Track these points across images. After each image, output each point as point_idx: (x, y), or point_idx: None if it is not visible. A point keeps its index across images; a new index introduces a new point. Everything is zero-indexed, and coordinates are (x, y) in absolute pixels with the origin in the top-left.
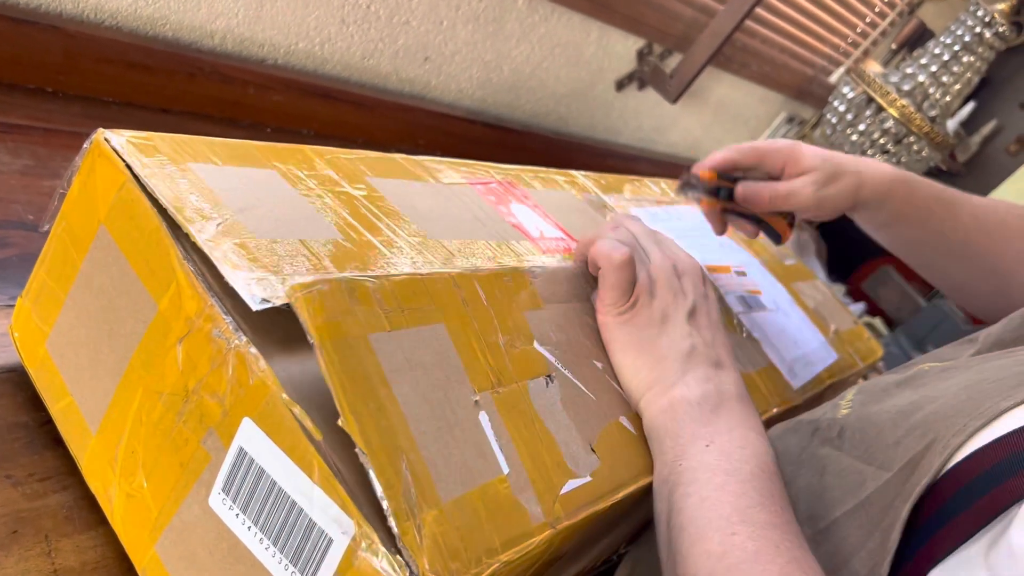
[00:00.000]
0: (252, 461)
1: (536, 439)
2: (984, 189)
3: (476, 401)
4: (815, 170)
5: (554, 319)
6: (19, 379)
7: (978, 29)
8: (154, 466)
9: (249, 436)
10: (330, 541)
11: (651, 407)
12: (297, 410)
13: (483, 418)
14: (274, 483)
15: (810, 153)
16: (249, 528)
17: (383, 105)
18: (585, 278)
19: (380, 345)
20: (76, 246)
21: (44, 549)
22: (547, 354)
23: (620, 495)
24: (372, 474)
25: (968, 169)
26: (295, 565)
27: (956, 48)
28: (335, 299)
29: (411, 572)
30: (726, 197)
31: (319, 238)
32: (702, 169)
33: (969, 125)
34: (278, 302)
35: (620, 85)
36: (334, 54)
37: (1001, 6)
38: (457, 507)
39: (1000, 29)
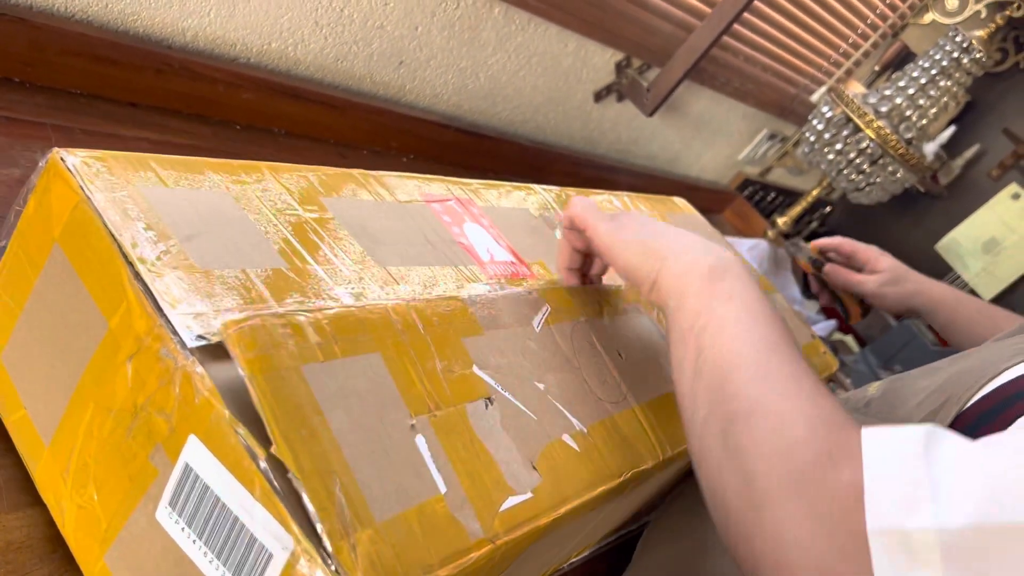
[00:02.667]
0: (197, 477)
1: (475, 459)
2: (964, 212)
3: (412, 425)
4: (886, 271)
5: (494, 344)
6: None
7: (956, 54)
8: (104, 479)
9: (195, 453)
10: (270, 556)
11: (667, 276)
12: (241, 429)
13: (419, 441)
14: (218, 499)
15: (888, 261)
16: (194, 542)
17: (356, 107)
18: (527, 304)
19: (313, 376)
20: (31, 263)
21: None
22: (486, 377)
23: (563, 509)
24: (305, 497)
25: (950, 192)
26: None
27: (934, 72)
28: (266, 334)
29: None
30: (817, 268)
31: (262, 267)
32: (813, 243)
33: (952, 148)
34: (213, 339)
35: (598, 96)
36: (307, 55)
37: (979, 33)
38: (392, 526)
39: (977, 55)
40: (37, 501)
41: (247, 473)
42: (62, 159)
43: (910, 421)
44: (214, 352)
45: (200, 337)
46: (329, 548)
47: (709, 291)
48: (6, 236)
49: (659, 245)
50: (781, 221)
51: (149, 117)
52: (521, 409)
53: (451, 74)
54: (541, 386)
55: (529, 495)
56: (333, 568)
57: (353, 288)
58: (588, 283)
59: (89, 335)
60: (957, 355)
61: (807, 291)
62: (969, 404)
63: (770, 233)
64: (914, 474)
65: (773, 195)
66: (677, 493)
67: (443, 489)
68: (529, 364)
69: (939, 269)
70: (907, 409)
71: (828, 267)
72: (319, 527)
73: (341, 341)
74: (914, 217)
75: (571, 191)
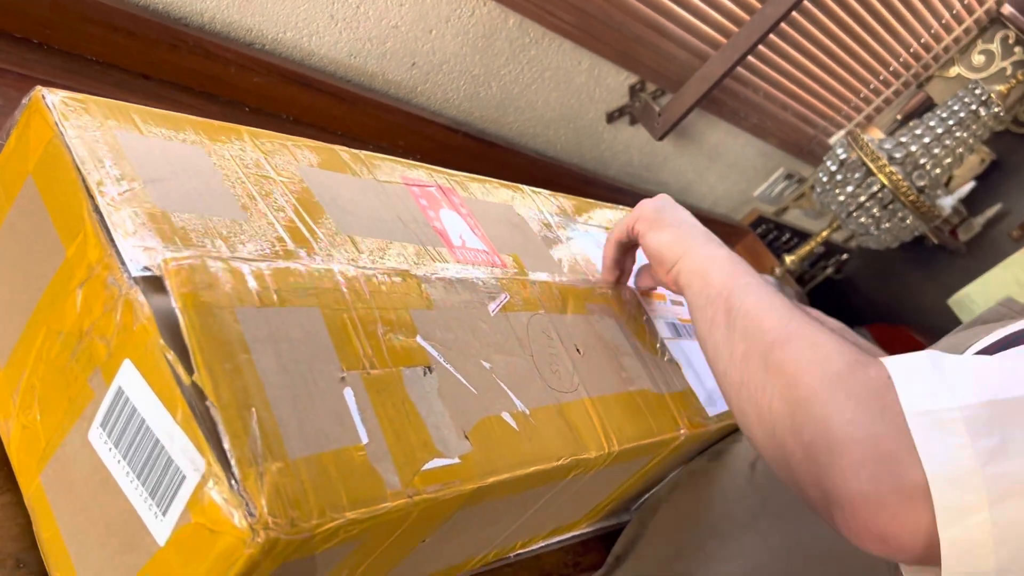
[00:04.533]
0: (128, 400)
1: (403, 419)
2: (981, 269)
3: (342, 378)
4: None
5: (443, 319)
6: None
7: (974, 106)
8: (47, 401)
9: (128, 377)
10: (184, 478)
11: (691, 259)
12: (170, 355)
13: (347, 393)
14: (143, 421)
15: None
16: (119, 462)
17: (366, 102)
18: (485, 289)
19: (246, 317)
20: (6, 193)
21: None
22: (429, 348)
23: (490, 480)
24: (220, 425)
25: (969, 249)
26: (153, 497)
27: (951, 123)
28: (203, 273)
29: (249, 511)
30: None
31: (220, 216)
32: None
33: (975, 205)
34: (156, 272)
35: (611, 117)
36: (320, 48)
37: (1000, 87)
38: (306, 464)
39: (995, 109)
40: None
41: (172, 398)
42: (43, 96)
43: None
44: (157, 285)
45: (145, 268)
46: (237, 474)
47: (731, 269)
48: None
49: (687, 235)
50: (789, 260)
51: (160, 90)
52: (461, 381)
53: (463, 80)
54: (487, 365)
55: (456, 460)
56: (238, 492)
57: (311, 249)
58: (623, 278)
59: (49, 262)
60: None
61: None
62: None
63: (777, 271)
64: (929, 376)
65: (788, 235)
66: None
67: (364, 440)
68: (477, 343)
69: (950, 323)
70: None
71: None
72: (229, 453)
73: (281, 292)
74: (930, 271)
75: (564, 199)
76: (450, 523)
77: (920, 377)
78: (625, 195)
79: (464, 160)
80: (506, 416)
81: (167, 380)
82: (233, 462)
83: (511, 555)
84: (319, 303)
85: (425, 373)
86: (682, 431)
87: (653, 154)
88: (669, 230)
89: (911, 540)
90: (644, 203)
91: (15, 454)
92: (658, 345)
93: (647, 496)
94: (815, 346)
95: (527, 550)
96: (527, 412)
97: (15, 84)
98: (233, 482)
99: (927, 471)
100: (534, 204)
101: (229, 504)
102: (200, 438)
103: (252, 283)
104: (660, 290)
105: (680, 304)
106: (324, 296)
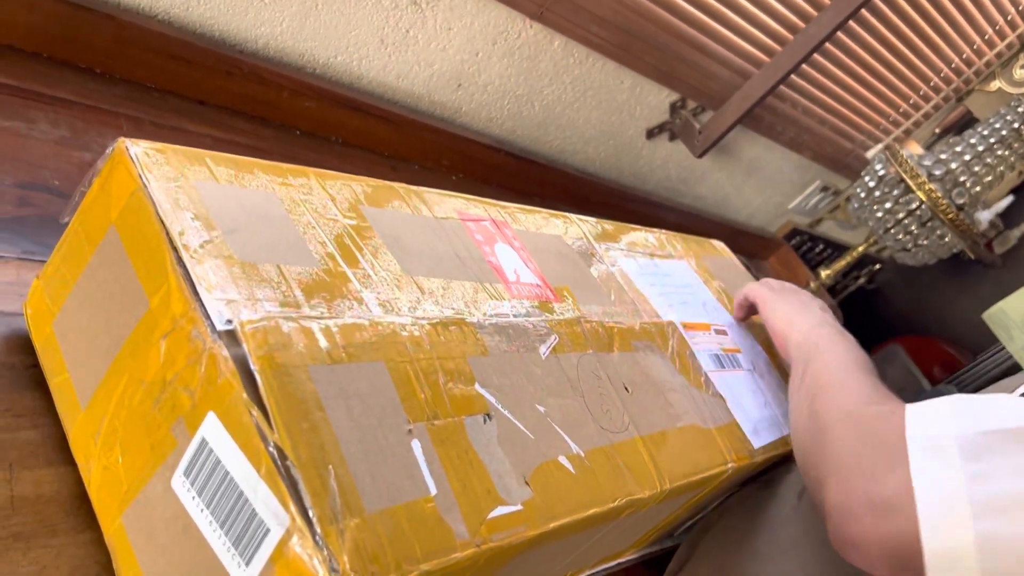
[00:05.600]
0: (211, 451)
1: (468, 468)
2: (1017, 283)
3: (410, 430)
4: None
5: (498, 366)
6: (15, 324)
7: (1016, 124)
8: (129, 445)
9: (212, 428)
10: (268, 531)
11: (801, 330)
12: (255, 411)
13: (415, 445)
14: (227, 473)
15: None
16: (202, 511)
17: (412, 124)
18: (536, 333)
19: (319, 375)
20: (89, 240)
21: (5, 476)
22: (487, 395)
23: (552, 525)
24: (301, 484)
25: (1004, 262)
26: (236, 547)
27: (992, 140)
28: (277, 335)
29: (332, 567)
30: None
31: (297, 266)
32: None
33: (1011, 218)
34: (236, 327)
35: (651, 134)
36: (370, 71)
37: None
38: (381, 518)
39: None
40: (70, 460)
41: (256, 453)
42: (127, 148)
43: None
44: (239, 338)
45: (228, 322)
46: (319, 530)
47: (815, 337)
48: (71, 213)
49: (796, 312)
50: (824, 274)
51: (215, 115)
52: (519, 427)
53: (507, 100)
54: (542, 409)
55: (519, 507)
56: (323, 549)
57: (379, 295)
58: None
59: (132, 311)
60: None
61: None
62: None
63: (812, 285)
64: (941, 408)
65: (822, 247)
66: (721, 512)
67: (433, 491)
68: (532, 387)
69: (984, 339)
70: None
71: None
72: (311, 512)
73: (349, 348)
74: (964, 283)
75: (608, 224)
76: (511, 565)
77: (933, 410)
78: (664, 210)
79: (505, 178)
80: (563, 460)
81: (251, 435)
82: (315, 519)
83: None
84: (384, 356)
85: (485, 421)
86: (729, 465)
87: (691, 169)
88: (780, 313)
89: (877, 550)
90: (758, 289)
91: (95, 493)
92: (703, 379)
93: (695, 520)
94: (841, 389)
95: None
96: (582, 454)
97: (81, 115)
98: (317, 538)
99: (915, 485)
100: (580, 231)
101: (314, 558)
102: (284, 493)
103: (323, 341)
104: (702, 320)
105: (724, 333)
106: (388, 350)
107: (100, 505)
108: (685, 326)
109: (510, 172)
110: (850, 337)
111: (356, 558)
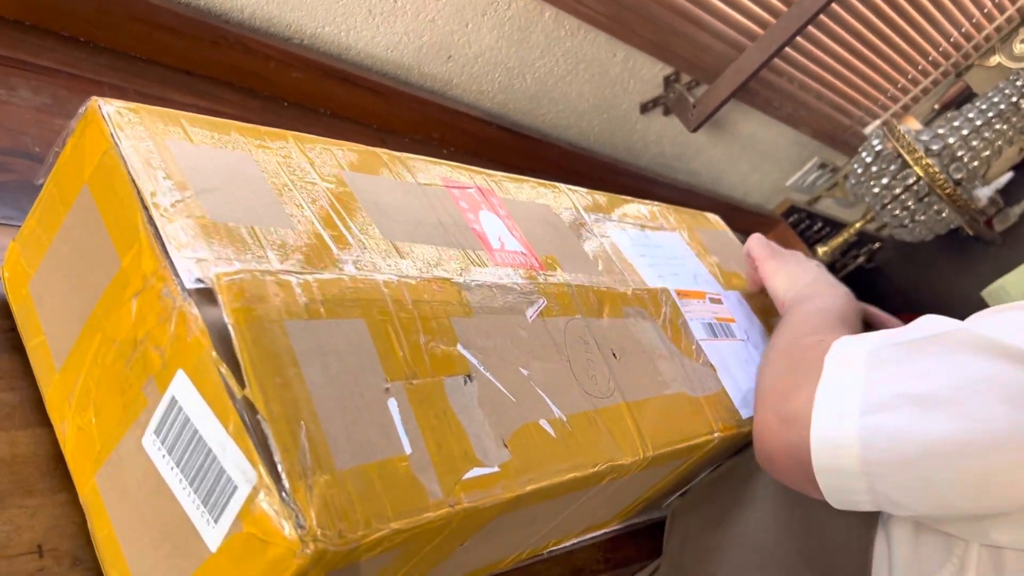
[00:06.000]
0: (181, 409)
1: (445, 428)
2: (1017, 260)
3: (387, 388)
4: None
5: (483, 327)
6: None
7: (1015, 98)
8: (102, 405)
9: (181, 387)
10: (235, 488)
11: (795, 287)
12: (223, 368)
13: (391, 403)
14: (196, 431)
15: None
16: (172, 469)
17: (401, 96)
18: (523, 295)
19: (295, 331)
20: (63, 200)
21: None
22: (469, 356)
23: (528, 488)
24: (271, 439)
25: (1004, 239)
26: (205, 505)
27: (990, 114)
28: (254, 288)
29: (299, 523)
30: None
31: (271, 226)
32: None
33: (1012, 195)
34: (209, 284)
35: (644, 108)
36: (358, 42)
37: None
38: (352, 475)
39: None
40: (45, 422)
41: (224, 409)
42: (99, 107)
43: None
44: (210, 296)
45: (198, 280)
46: (287, 486)
47: (809, 292)
48: (45, 174)
49: (794, 276)
50: (822, 251)
51: (201, 86)
52: (500, 390)
53: (498, 72)
54: (525, 372)
55: (496, 469)
56: (289, 505)
57: (356, 256)
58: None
59: (104, 271)
60: None
61: None
62: None
63: None
64: (868, 336)
65: (820, 224)
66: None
67: (408, 450)
68: (516, 350)
69: None
70: None
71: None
72: (280, 467)
73: (327, 304)
74: (964, 261)
75: (600, 195)
76: (488, 528)
77: (862, 336)
78: (658, 186)
79: (497, 152)
80: (544, 423)
81: (219, 392)
82: (283, 475)
83: (544, 552)
84: (363, 314)
85: (465, 382)
86: (716, 434)
87: (685, 144)
88: (782, 275)
89: (784, 459)
90: (758, 246)
91: (71, 454)
92: (694, 347)
93: (684, 491)
94: (798, 328)
95: (559, 547)
96: (564, 419)
97: (64, 83)
98: (284, 494)
99: (816, 394)
100: (570, 202)
101: (280, 516)
102: (252, 450)
103: (300, 296)
104: (697, 288)
105: (718, 302)
106: (368, 307)
107: (75, 466)
108: (679, 293)
109: (502, 146)
110: (842, 289)
111: (324, 515)
